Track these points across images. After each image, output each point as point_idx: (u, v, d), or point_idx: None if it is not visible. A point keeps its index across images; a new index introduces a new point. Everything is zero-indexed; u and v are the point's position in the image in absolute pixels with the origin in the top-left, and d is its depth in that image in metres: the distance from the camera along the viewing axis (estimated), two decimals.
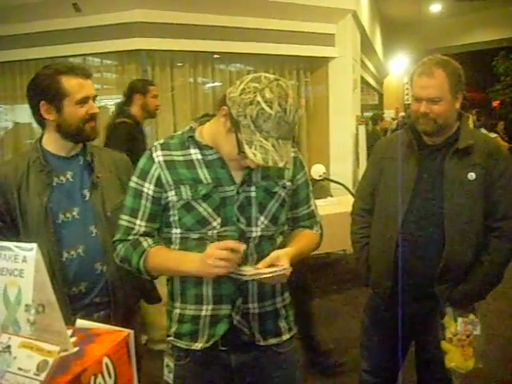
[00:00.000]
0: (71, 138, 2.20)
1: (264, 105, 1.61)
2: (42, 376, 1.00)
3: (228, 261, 1.64)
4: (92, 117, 2.19)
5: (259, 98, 1.61)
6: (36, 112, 2.18)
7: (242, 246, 1.68)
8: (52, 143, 2.21)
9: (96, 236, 2.20)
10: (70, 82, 2.13)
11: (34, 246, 1.10)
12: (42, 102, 2.13)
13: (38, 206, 2.10)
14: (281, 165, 1.66)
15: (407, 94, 17.39)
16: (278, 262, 1.71)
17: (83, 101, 2.16)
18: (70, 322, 2.11)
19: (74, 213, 2.18)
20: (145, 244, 1.82)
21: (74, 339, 1.20)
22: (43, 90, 2.13)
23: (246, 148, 1.64)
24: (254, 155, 1.63)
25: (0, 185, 2.11)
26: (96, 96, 2.24)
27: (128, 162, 2.43)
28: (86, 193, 2.22)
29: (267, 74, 1.69)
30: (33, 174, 2.14)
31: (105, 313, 2.23)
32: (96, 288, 2.21)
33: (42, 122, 2.21)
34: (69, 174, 2.20)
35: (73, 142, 2.22)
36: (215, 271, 1.66)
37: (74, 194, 2.20)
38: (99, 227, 2.20)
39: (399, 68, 17.66)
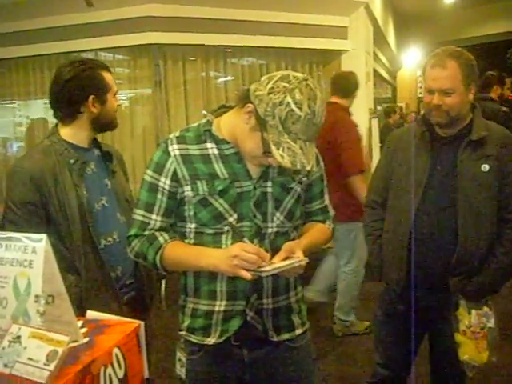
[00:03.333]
0: (105, 127, 2.32)
1: (294, 106, 1.58)
2: (52, 366, 1.01)
3: (252, 264, 1.62)
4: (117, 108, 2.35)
5: (289, 99, 1.58)
6: (76, 106, 2.21)
7: (268, 257, 1.67)
8: (74, 135, 2.24)
9: (123, 222, 2.29)
10: (108, 76, 2.28)
11: (44, 236, 1.11)
12: (92, 96, 2.20)
13: (76, 197, 2.14)
14: (308, 168, 1.64)
15: (420, 87, 17.21)
16: (293, 254, 1.70)
17: (116, 93, 2.32)
18: (119, 304, 2.18)
19: (103, 201, 2.26)
20: (161, 239, 1.80)
21: (84, 330, 1.21)
22: (93, 84, 2.20)
23: (274, 149, 1.61)
24: (282, 157, 1.60)
25: (36, 180, 2.08)
26: None
27: (122, 155, 2.59)
28: (108, 182, 2.32)
29: (295, 73, 1.66)
30: (64, 166, 2.15)
31: (131, 295, 2.33)
32: (128, 271, 2.30)
33: (75, 115, 2.22)
34: (92, 165, 2.27)
35: (102, 131, 2.36)
36: (238, 272, 1.62)
37: (100, 183, 2.29)
38: (123, 213, 2.31)
39: (413, 61, 17.49)
